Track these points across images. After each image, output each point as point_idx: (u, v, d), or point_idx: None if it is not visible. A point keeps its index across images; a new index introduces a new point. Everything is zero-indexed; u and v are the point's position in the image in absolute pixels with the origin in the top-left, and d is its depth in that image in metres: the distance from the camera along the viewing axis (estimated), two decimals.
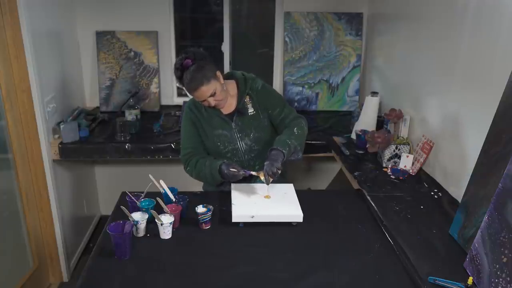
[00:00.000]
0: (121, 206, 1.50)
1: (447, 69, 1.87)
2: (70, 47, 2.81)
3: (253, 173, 1.64)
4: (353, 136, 2.46)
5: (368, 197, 1.76)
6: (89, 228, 3.11)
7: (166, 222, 1.44)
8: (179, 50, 3.15)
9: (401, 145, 2.08)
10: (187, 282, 1.27)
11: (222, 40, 3.17)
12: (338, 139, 2.47)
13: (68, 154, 2.39)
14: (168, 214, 1.49)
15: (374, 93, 2.46)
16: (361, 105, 2.61)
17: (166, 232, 1.46)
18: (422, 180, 1.94)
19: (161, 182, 1.62)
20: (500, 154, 1.28)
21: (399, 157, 2.07)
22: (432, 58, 2.02)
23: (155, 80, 3.00)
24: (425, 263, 1.32)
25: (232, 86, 1.81)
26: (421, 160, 1.99)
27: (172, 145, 2.40)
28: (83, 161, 2.97)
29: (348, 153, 2.26)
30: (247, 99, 1.80)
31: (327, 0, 3.02)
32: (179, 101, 3.13)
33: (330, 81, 3.08)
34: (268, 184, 1.59)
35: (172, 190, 1.64)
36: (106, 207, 3.32)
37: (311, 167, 3.37)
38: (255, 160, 1.83)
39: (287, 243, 1.47)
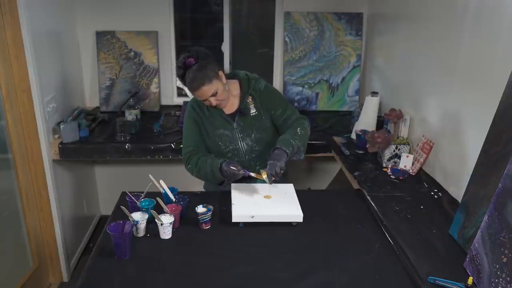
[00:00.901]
0: (121, 206, 1.50)
1: (447, 69, 1.87)
2: (70, 47, 2.81)
3: (253, 174, 1.63)
4: (353, 136, 2.46)
5: (368, 197, 1.76)
6: (89, 228, 3.11)
7: (166, 222, 1.44)
8: (179, 50, 3.15)
9: (401, 145, 2.08)
10: (187, 282, 1.27)
11: (222, 40, 3.17)
12: (338, 139, 2.48)
13: (68, 154, 2.39)
14: (168, 214, 1.49)
15: (374, 93, 2.46)
16: (361, 105, 2.61)
17: (166, 232, 1.46)
18: (422, 180, 1.94)
19: (161, 182, 1.62)
20: (500, 154, 1.28)
21: (399, 157, 2.07)
22: (432, 58, 2.02)
23: (155, 80, 3.00)
24: (425, 263, 1.32)
25: (235, 86, 1.81)
26: (421, 160, 1.99)
27: (172, 145, 2.40)
28: (83, 161, 2.97)
29: (348, 153, 2.26)
30: (249, 99, 1.80)
31: (327, 0, 3.02)
32: (179, 101, 3.13)
33: (330, 81, 3.08)
34: (270, 183, 1.59)
35: (172, 190, 1.64)
36: (106, 207, 3.32)
37: (311, 167, 3.37)
38: (256, 161, 1.83)
39: (287, 243, 1.47)
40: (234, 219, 1.53)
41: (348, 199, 1.80)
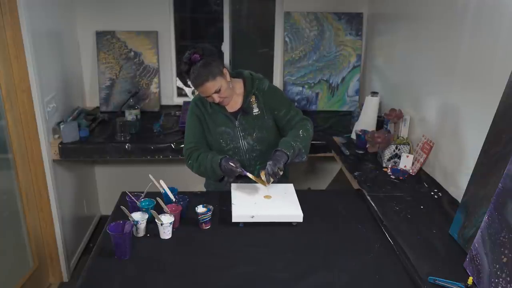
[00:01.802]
0: (121, 206, 1.50)
1: (447, 69, 1.87)
2: (70, 47, 2.81)
3: (250, 175, 1.64)
4: (353, 136, 2.46)
5: (368, 197, 1.76)
6: (89, 228, 3.11)
7: (166, 222, 1.44)
8: (179, 50, 3.15)
9: (401, 145, 2.08)
10: (187, 282, 1.27)
11: (222, 40, 3.17)
12: (338, 139, 2.48)
13: (68, 154, 2.39)
14: (168, 214, 1.49)
15: (374, 93, 2.46)
16: (361, 105, 2.61)
17: (166, 232, 1.46)
18: (422, 180, 1.94)
19: (161, 182, 1.62)
20: (500, 154, 1.28)
21: (399, 157, 2.07)
22: (432, 58, 2.02)
23: (155, 80, 3.00)
24: (425, 263, 1.32)
25: (239, 85, 1.82)
26: (421, 160, 1.99)
27: (172, 145, 2.40)
28: (83, 161, 2.97)
29: (348, 153, 2.26)
30: (252, 99, 1.80)
31: (327, 0, 3.02)
32: (179, 101, 3.13)
33: (330, 81, 3.08)
34: (268, 183, 1.59)
35: (172, 190, 1.64)
36: (106, 207, 3.32)
37: (311, 167, 3.36)
38: (256, 160, 1.83)
39: (287, 243, 1.47)
40: (234, 219, 1.53)
41: (348, 199, 1.80)
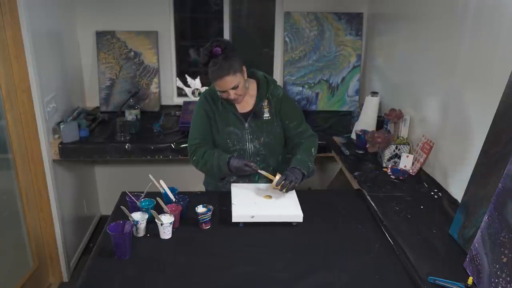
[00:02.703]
0: (121, 206, 1.50)
1: (447, 69, 1.87)
2: (70, 47, 2.81)
3: (263, 172, 1.65)
4: (353, 136, 2.46)
5: (368, 197, 1.76)
6: (89, 228, 3.11)
7: (166, 222, 1.44)
8: (179, 50, 3.16)
9: (401, 145, 2.08)
10: (187, 282, 1.27)
11: None
12: (338, 139, 2.47)
13: (68, 154, 2.39)
14: (168, 214, 1.49)
15: (374, 93, 2.46)
16: (361, 105, 2.61)
17: (166, 232, 1.46)
18: (422, 180, 1.94)
19: (161, 182, 1.62)
20: (500, 154, 1.28)
21: (399, 157, 2.07)
22: (432, 58, 2.02)
23: (155, 80, 3.00)
24: (425, 263, 1.32)
25: (252, 85, 1.81)
26: (421, 160, 1.99)
27: (172, 145, 2.40)
28: (83, 161, 2.97)
29: (348, 153, 2.26)
30: (265, 103, 1.79)
31: (327, 0, 3.02)
32: (179, 101, 3.12)
33: (330, 81, 3.08)
34: (277, 186, 1.61)
35: (172, 190, 1.64)
36: (106, 207, 3.32)
37: None
38: (259, 164, 1.82)
39: (287, 243, 1.47)
40: (234, 219, 1.53)
41: (348, 199, 1.80)
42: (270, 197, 1.65)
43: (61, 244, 2.54)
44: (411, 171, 2.01)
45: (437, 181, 1.92)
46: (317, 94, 3.10)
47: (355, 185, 1.95)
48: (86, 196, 3.04)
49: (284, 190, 1.61)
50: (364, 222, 1.61)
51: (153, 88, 3.01)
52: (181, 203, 1.59)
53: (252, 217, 1.52)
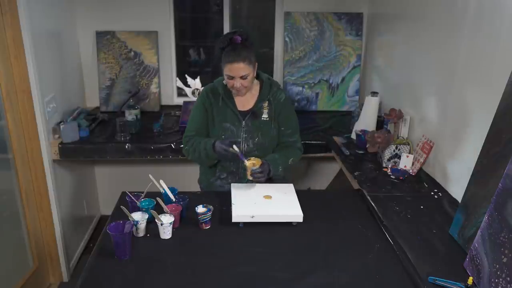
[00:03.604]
0: (121, 206, 1.50)
1: (447, 69, 1.87)
2: (70, 47, 2.81)
3: (245, 160, 1.67)
4: (353, 136, 2.46)
5: (368, 197, 1.76)
6: (89, 228, 3.11)
7: (166, 222, 1.44)
8: (179, 50, 3.15)
9: (401, 145, 2.08)
10: (187, 282, 1.27)
11: None
12: (338, 139, 2.47)
13: (68, 154, 2.39)
14: (168, 214, 1.49)
15: (374, 93, 2.46)
16: (361, 105, 2.61)
17: (166, 232, 1.46)
18: (422, 180, 1.94)
19: (161, 182, 1.62)
20: (500, 154, 1.28)
21: (399, 157, 2.07)
22: (432, 58, 2.02)
23: (155, 80, 3.00)
24: (425, 263, 1.32)
25: (255, 86, 1.84)
26: (421, 160, 1.99)
27: (172, 145, 2.40)
28: (83, 161, 2.97)
29: (348, 153, 2.26)
30: (265, 104, 1.81)
31: (327, 0, 3.02)
32: (179, 101, 3.12)
33: (330, 81, 3.08)
34: (249, 177, 1.66)
35: (172, 190, 1.64)
36: (106, 207, 3.32)
37: (311, 167, 3.36)
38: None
39: (287, 243, 1.47)
40: (234, 219, 1.53)
41: (348, 199, 1.80)
42: (270, 197, 1.65)
43: (61, 244, 2.54)
44: (411, 171, 2.01)
45: (437, 181, 1.92)
46: (317, 94, 3.10)
47: (355, 185, 1.95)
48: (86, 196, 3.04)
49: (251, 178, 1.67)
50: (364, 222, 1.61)
51: (153, 88, 3.01)
52: (181, 203, 1.59)
53: (252, 217, 1.53)
